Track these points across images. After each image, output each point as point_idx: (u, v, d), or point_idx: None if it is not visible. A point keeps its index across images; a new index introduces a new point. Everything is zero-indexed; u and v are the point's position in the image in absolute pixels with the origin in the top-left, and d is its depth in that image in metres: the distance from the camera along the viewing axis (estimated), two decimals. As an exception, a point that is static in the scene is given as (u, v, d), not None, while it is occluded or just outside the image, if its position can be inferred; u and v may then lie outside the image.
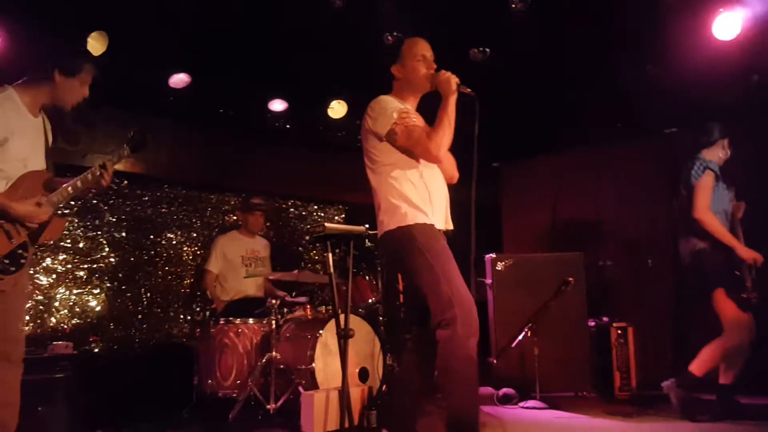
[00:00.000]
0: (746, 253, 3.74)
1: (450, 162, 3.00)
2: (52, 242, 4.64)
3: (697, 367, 3.73)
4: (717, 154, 3.92)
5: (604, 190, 5.70)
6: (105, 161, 2.76)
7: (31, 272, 4.29)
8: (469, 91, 2.81)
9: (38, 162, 2.70)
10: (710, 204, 3.77)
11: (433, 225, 2.78)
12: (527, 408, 4.32)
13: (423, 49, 2.95)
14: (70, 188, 2.72)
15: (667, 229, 5.03)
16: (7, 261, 2.53)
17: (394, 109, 2.81)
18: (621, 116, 5.23)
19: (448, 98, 2.79)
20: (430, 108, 2.91)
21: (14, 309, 2.66)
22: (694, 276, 3.89)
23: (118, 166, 4.55)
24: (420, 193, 2.80)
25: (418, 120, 2.87)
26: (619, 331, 4.75)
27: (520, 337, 4.55)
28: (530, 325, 4.53)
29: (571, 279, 4.57)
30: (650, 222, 5.35)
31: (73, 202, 4.79)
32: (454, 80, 2.80)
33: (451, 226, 2.91)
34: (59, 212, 2.85)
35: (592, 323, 4.89)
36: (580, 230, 5.75)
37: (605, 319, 4.93)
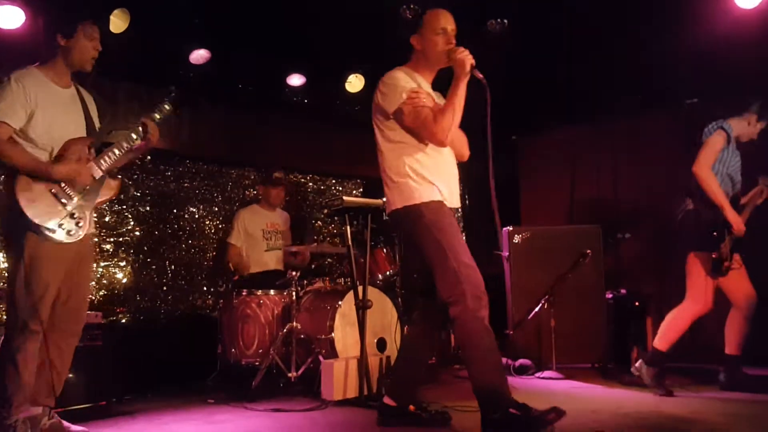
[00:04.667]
0: (733, 217, 3.52)
1: (460, 140, 2.97)
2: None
3: (660, 342, 3.70)
4: (743, 125, 3.78)
5: (622, 162, 5.63)
6: (145, 118, 2.86)
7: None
8: (481, 77, 2.70)
9: (72, 129, 2.77)
10: (714, 164, 3.59)
11: (441, 202, 2.79)
12: (543, 378, 4.38)
13: (445, 22, 2.84)
14: (116, 149, 2.82)
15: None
16: (64, 225, 2.62)
17: (405, 87, 2.76)
18: (640, 87, 5.16)
19: (460, 79, 2.69)
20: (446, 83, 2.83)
21: (79, 277, 2.79)
22: (678, 237, 3.77)
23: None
24: (428, 171, 2.78)
25: (428, 100, 2.79)
26: (637, 304, 4.76)
27: (536, 309, 4.59)
28: (547, 297, 4.56)
29: (588, 251, 4.57)
30: (669, 194, 5.30)
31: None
32: (469, 61, 2.68)
33: (458, 204, 2.91)
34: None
35: (610, 295, 4.91)
36: (598, 202, 5.72)
37: (623, 291, 4.94)
